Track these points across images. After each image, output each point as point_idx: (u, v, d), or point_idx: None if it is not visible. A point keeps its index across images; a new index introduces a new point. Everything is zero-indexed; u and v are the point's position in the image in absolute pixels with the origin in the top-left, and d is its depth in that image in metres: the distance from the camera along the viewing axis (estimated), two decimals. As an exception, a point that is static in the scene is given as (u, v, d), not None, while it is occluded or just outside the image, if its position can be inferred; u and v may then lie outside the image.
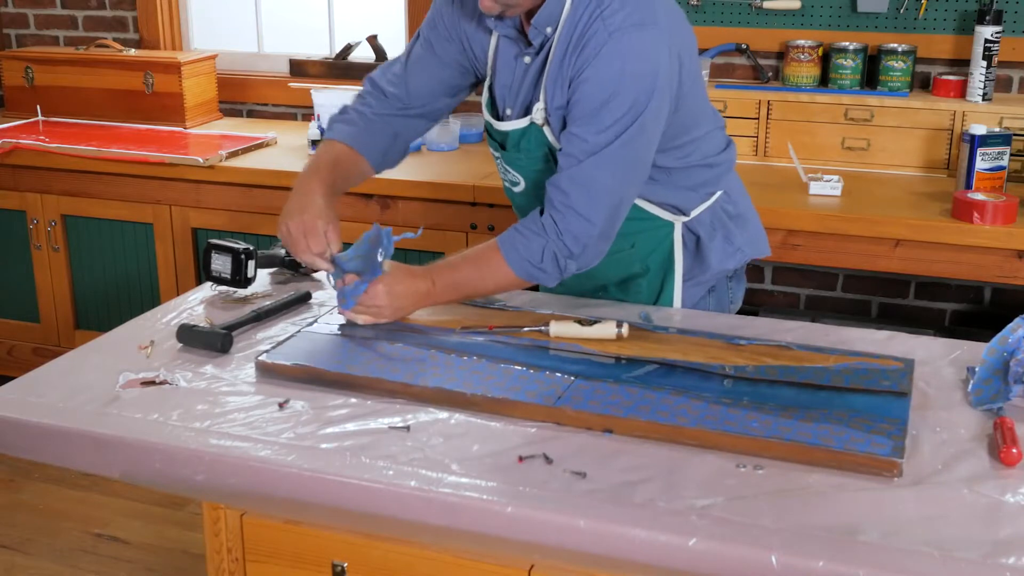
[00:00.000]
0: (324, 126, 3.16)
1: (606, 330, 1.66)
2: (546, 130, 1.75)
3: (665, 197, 1.84)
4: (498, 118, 1.84)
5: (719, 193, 1.90)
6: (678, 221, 1.87)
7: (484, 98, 1.88)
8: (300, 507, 1.40)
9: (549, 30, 1.70)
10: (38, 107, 3.65)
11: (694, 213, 1.88)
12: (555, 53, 1.69)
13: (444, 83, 1.90)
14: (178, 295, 2.15)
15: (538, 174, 1.81)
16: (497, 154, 1.89)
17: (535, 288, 1.97)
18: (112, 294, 3.38)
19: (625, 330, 1.66)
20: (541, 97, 1.73)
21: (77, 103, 3.63)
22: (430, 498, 1.29)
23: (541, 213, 1.70)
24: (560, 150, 1.70)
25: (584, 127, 1.65)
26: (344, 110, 1.94)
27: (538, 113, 1.74)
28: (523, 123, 1.78)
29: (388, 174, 2.94)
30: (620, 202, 1.71)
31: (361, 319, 1.72)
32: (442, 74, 1.89)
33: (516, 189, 1.89)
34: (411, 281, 1.73)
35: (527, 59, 1.75)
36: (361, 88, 1.98)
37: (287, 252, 2.01)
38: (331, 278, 1.75)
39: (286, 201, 1.78)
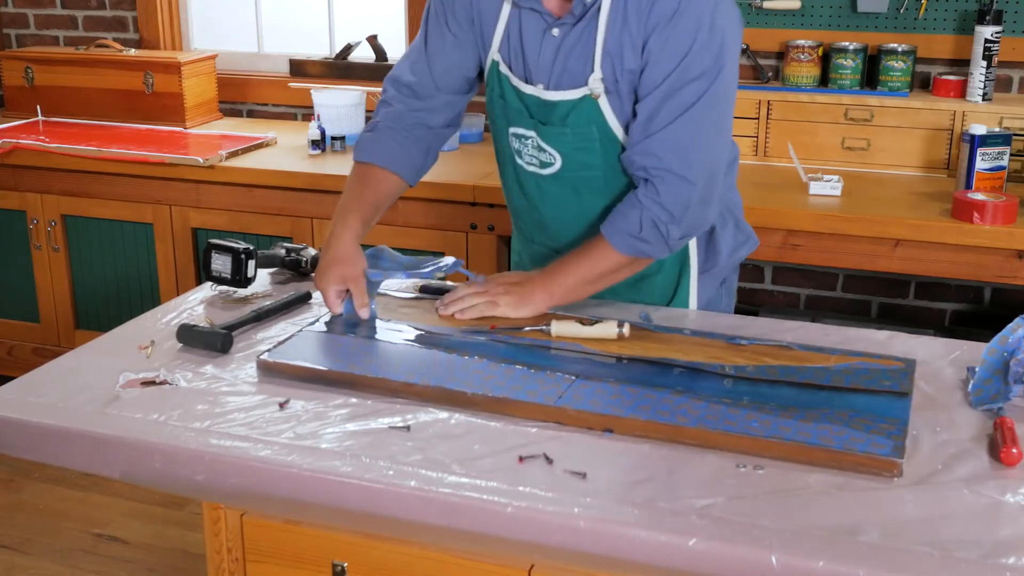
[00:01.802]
0: (323, 126, 3.19)
1: (607, 330, 1.66)
2: (602, 103, 1.70)
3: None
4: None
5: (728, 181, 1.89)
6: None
7: (504, 78, 1.80)
8: (300, 507, 1.40)
9: (589, 1, 1.66)
10: (38, 107, 3.65)
11: None
12: (609, 20, 1.65)
13: (463, 68, 1.86)
14: (178, 295, 2.15)
15: (580, 153, 1.76)
16: (529, 133, 1.80)
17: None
18: (112, 294, 3.38)
19: (626, 330, 1.66)
20: (596, 68, 1.68)
21: (77, 103, 3.63)
22: (430, 498, 1.29)
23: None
24: (639, 113, 1.66)
25: (667, 88, 1.62)
26: (372, 127, 1.90)
27: (595, 84, 1.69)
28: (575, 94, 1.71)
29: (388, 174, 2.96)
30: (715, 162, 1.69)
31: (472, 309, 1.73)
32: (461, 59, 1.85)
33: (547, 171, 1.81)
34: (526, 275, 1.77)
35: (556, 32, 1.70)
36: (382, 95, 1.93)
37: (287, 252, 2.01)
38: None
39: (323, 249, 1.79)
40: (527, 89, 1.77)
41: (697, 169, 1.67)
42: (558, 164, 1.79)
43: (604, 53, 1.67)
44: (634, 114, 1.70)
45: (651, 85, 1.65)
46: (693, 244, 1.88)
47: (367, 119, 3.37)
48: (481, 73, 1.88)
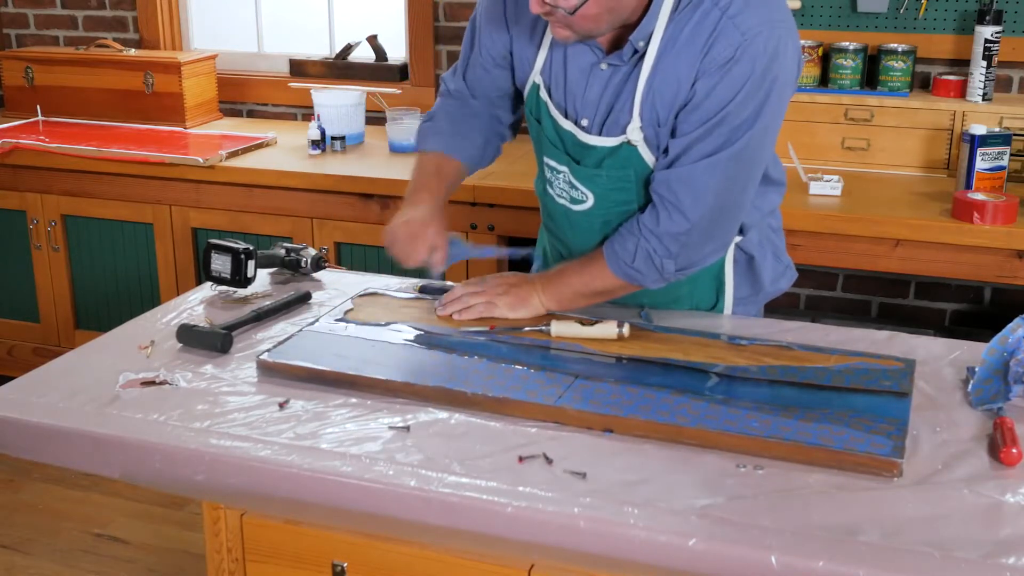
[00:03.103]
0: (323, 126, 3.19)
1: (607, 330, 1.66)
2: (641, 149, 1.66)
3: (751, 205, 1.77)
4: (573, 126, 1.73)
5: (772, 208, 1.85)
6: (732, 241, 1.79)
7: (543, 104, 1.75)
8: (300, 507, 1.40)
9: (642, 44, 1.60)
10: (38, 107, 3.65)
11: (749, 232, 1.81)
12: (654, 60, 1.60)
13: (498, 88, 1.85)
14: (178, 295, 2.15)
15: (615, 192, 1.72)
16: (561, 168, 1.76)
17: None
18: (112, 294, 3.38)
19: (626, 330, 1.66)
20: (635, 115, 1.64)
21: (77, 103, 3.63)
22: (430, 498, 1.29)
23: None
24: (670, 148, 1.63)
25: (704, 130, 1.59)
26: (431, 116, 1.92)
27: (634, 132, 1.64)
28: (614, 142, 1.67)
29: (388, 174, 2.97)
30: (732, 206, 1.66)
31: (470, 308, 1.73)
32: (495, 80, 1.84)
33: (579, 207, 1.76)
34: (524, 277, 1.78)
35: (604, 66, 1.66)
36: (439, 91, 1.95)
37: (287, 252, 2.01)
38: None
39: (396, 218, 1.80)
40: (565, 124, 1.72)
41: (701, 210, 1.62)
42: (590, 203, 1.75)
43: (644, 99, 1.63)
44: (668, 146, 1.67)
45: (690, 125, 1.61)
46: (730, 271, 1.83)
47: (367, 119, 3.39)
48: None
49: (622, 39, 1.64)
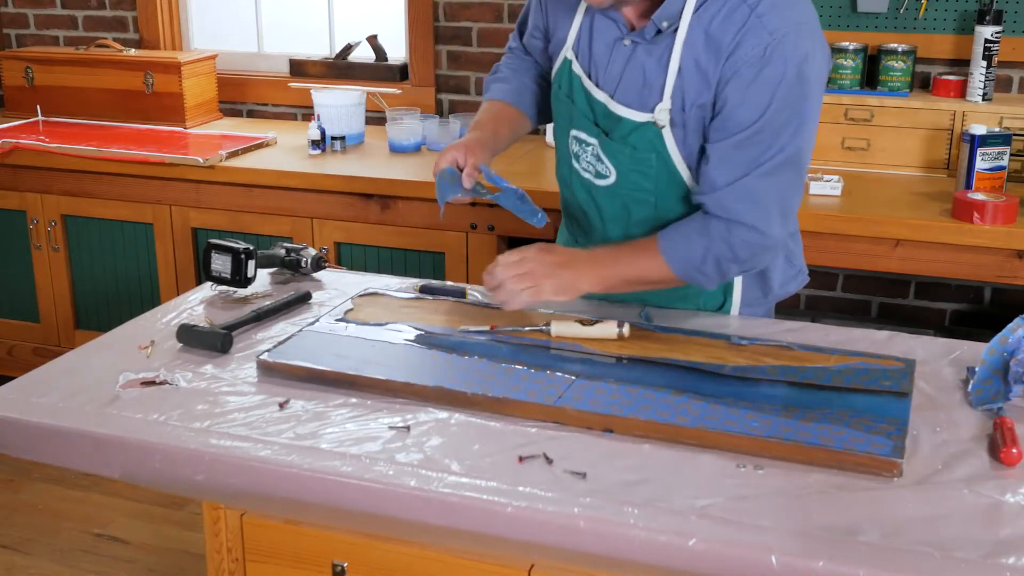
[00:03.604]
0: (323, 126, 3.18)
1: (607, 330, 1.66)
2: (666, 134, 1.66)
3: None
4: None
5: None
6: None
7: (575, 78, 1.76)
8: (300, 507, 1.40)
9: (666, 24, 1.62)
10: (38, 107, 3.65)
11: None
12: (685, 49, 1.61)
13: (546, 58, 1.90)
14: (178, 295, 2.15)
15: (635, 174, 1.72)
16: (591, 140, 1.76)
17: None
18: (112, 294, 3.38)
19: (626, 330, 1.66)
20: (666, 98, 1.64)
21: (77, 103, 3.63)
22: (430, 498, 1.29)
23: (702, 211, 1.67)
24: (711, 158, 1.62)
25: (745, 138, 1.59)
26: (496, 69, 1.99)
27: (661, 114, 1.65)
28: (640, 117, 1.68)
29: (388, 174, 2.97)
30: (789, 210, 1.67)
31: (515, 297, 1.65)
32: (543, 49, 1.90)
33: (602, 183, 1.77)
34: (569, 256, 1.70)
35: (627, 42, 1.68)
36: (505, 48, 2.04)
37: (287, 252, 2.01)
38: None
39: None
40: (598, 95, 1.73)
41: (771, 220, 1.64)
42: (612, 178, 1.76)
43: (676, 84, 1.63)
44: (702, 150, 1.66)
45: (728, 131, 1.61)
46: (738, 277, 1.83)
47: (367, 119, 3.39)
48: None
49: (646, 17, 1.66)
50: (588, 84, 1.75)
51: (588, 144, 1.78)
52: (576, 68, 1.77)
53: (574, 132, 1.80)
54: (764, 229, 1.63)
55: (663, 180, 1.71)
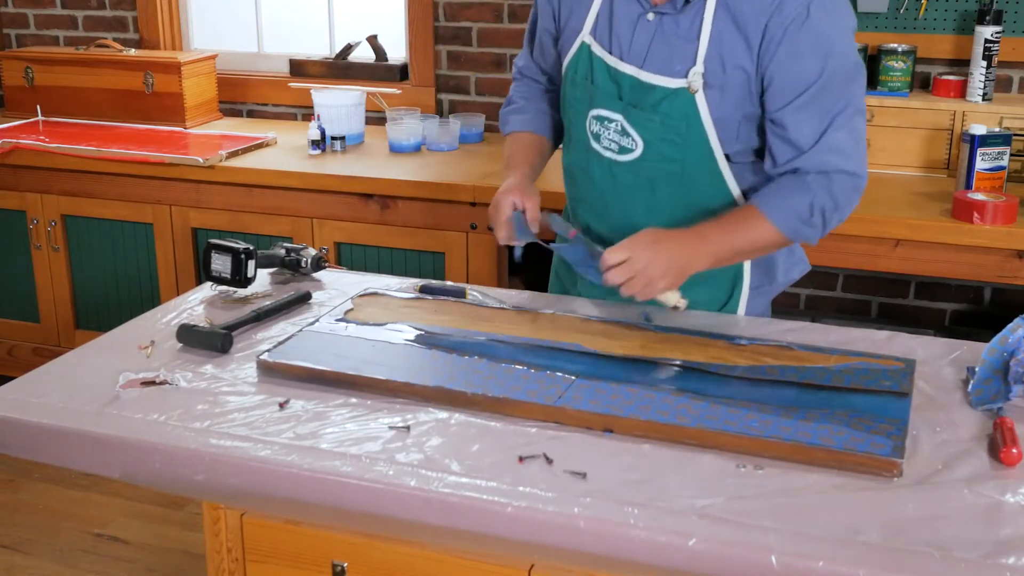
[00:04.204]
0: (323, 126, 3.18)
1: (670, 299, 1.69)
2: (699, 98, 1.70)
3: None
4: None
5: None
6: None
7: (596, 59, 1.79)
8: (300, 507, 1.40)
9: None
10: (38, 107, 3.65)
11: None
12: (718, 13, 1.67)
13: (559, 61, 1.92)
14: (178, 295, 2.15)
15: (664, 144, 1.74)
16: (615, 116, 1.78)
17: (532, 287, 1.96)
18: (112, 294, 3.38)
19: (682, 305, 1.70)
20: (699, 62, 1.68)
21: (77, 103, 3.63)
22: (430, 498, 1.29)
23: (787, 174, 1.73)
24: (786, 124, 1.68)
25: (815, 94, 1.66)
26: (510, 100, 2.01)
27: (695, 78, 1.69)
28: (673, 83, 1.71)
29: (388, 174, 2.97)
30: (865, 146, 1.74)
31: (636, 295, 1.67)
32: (553, 51, 1.92)
33: (626, 157, 1.78)
34: (669, 242, 1.69)
35: (651, 16, 1.72)
36: (513, 76, 2.06)
37: (287, 252, 2.01)
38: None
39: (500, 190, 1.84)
40: (625, 68, 1.75)
41: (862, 162, 1.72)
42: (639, 151, 1.77)
43: (710, 47, 1.68)
44: (762, 113, 1.72)
45: (794, 91, 1.67)
46: (747, 263, 1.86)
47: (367, 119, 3.39)
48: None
49: None
50: (612, 60, 1.77)
51: (611, 121, 1.79)
52: (596, 50, 1.79)
53: (594, 112, 1.81)
54: (859, 172, 1.72)
55: (692, 148, 1.74)
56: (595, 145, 1.83)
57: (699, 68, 1.69)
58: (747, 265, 1.87)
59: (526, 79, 2.02)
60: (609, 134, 1.80)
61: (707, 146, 1.73)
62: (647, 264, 1.64)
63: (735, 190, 1.79)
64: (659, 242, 1.68)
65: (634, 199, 1.81)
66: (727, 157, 1.75)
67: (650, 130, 1.75)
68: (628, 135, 1.77)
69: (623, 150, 1.79)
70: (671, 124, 1.73)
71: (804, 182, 1.70)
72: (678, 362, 1.59)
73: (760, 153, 1.78)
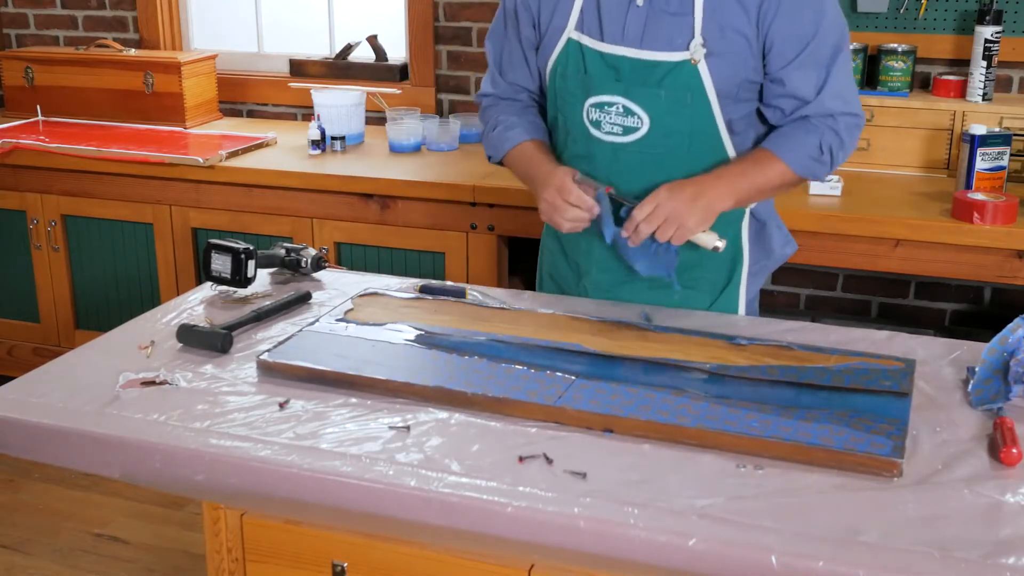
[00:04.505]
0: (323, 126, 3.18)
1: (708, 240, 1.73)
2: (701, 68, 1.74)
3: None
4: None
5: None
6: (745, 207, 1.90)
7: (587, 51, 1.81)
8: (300, 507, 1.40)
9: None
10: (38, 107, 3.65)
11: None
12: None
13: (538, 74, 1.94)
14: (178, 295, 2.15)
15: (670, 117, 1.78)
16: (615, 99, 1.80)
17: (532, 288, 1.96)
18: (112, 294, 3.38)
19: (721, 244, 1.74)
20: (697, 34, 1.73)
21: (77, 103, 3.63)
22: (430, 498, 1.29)
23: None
24: (788, 80, 1.76)
25: (813, 50, 1.75)
26: (495, 124, 1.97)
27: (697, 49, 1.73)
28: (675, 56, 1.75)
29: (388, 174, 2.97)
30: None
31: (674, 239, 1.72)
32: (533, 59, 1.93)
33: (631, 137, 1.81)
34: (695, 186, 1.75)
35: (640, 2, 1.75)
36: (479, 106, 2.05)
37: (287, 252, 2.01)
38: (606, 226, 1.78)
39: (540, 188, 1.83)
40: (622, 51, 1.78)
41: (857, 101, 1.82)
42: (645, 128, 1.79)
43: (706, 17, 1.73)
44: (764, 73, 1.79)
45: (794, 50, 1.75)
46: (746, 239, 1.92)
47: (367, 119, 3.39)
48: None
49: None
50: (606, 47, 1.79)
51: (611, 105, 1.81)
52: (586, 41, 1.81)
53: (592, 100, 1.82)
54: (859, 112, 1.82)
55: (697, 119, 1.78)
56: (596, 133, 1.83)
57: (699, 40, 1.73)
58: (745, 244, 1.91)
59: (503, 101, 1.99)
60: (610, 118, 1.81)
61: (711, 115, 1.78)
62: (674, 207, 1.71)
63: None
64: (681, 187, 1.75)
65: (641, 179, 1.82)
66: (728, 127, 1.80)
67: (655, 105, 1.78)
68: (632, 114, 1.79)
69: (628, 130, 1.81)
70: (676, 95, 1.77)
71: (811, 125, 1.79)
72: (678, 362, 1.59)
73: (754, 118, 1.84)
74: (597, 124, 1.83)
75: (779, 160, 1.79)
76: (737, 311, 1.93)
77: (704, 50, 1.73)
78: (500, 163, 1.98)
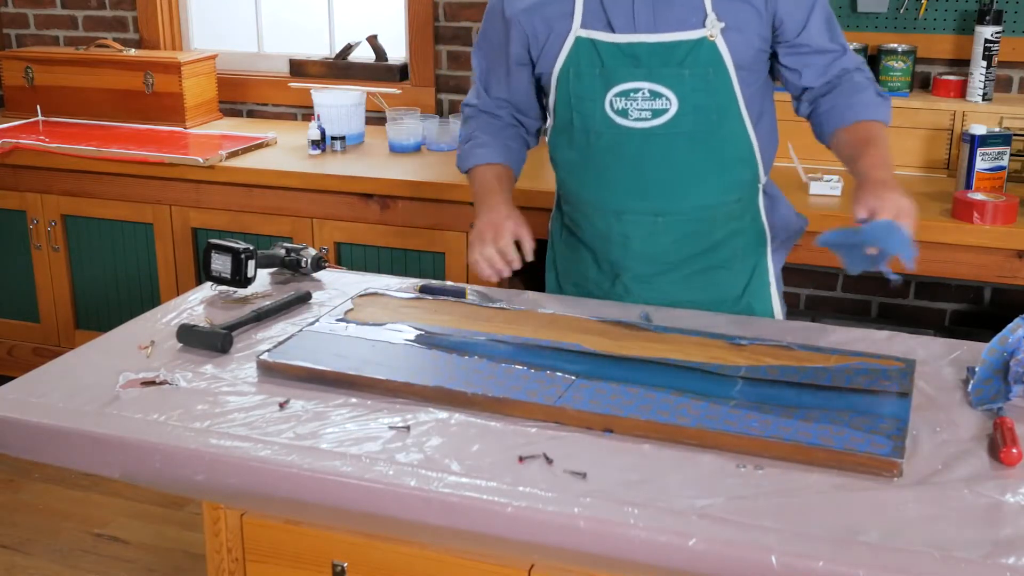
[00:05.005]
0: (323, 126, 3.18)
1: None
2: (719, 43, 1.79)
3: (772, 143, 1.99)
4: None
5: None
6: (760, 182, 1.95)
7: (600, 45, 1.82)
8: (300, 507, 1.40)
9: None
10: (38, 107, 3.65)
11: (768, 173, 1.97)
12: None
13: (525, 90, 1.97)
14: (178, 295, 2.15)
15: (696, 94, 1.81)
16: (639, 84, 1.82)
17: (532, 287, 1.96)
18: (112, 294, 3.38)
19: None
20: (710, 11, 1.78)
21: (77, 103, 3.63)
22: (430, 498, 1.29)
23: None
24: (803, 45, 1.85)
25: (818, 13, 1.84)
26: (468, 137, 2.02)
27: (713, 25, 1.78)
28: (693, 35, 1.79)
29: (388, 174, 2.97)
30: None
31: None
32: (519, 83, 1.96)
33: (660, 120, 1.83)
34: (888, 187, 1.76)
35: None
36: (462, 115, 2.07)
37: (287, 252, 2.01)
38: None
39: (479, 217, 1.87)
40: (637, 38, 1.80)
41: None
42: (674, 108, 1.81)
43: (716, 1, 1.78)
44: (771, 40, 1.86)
45: (803, 15, 1.83)
46: (764, 215, 1.98)
47: (367, 119, 3.39)
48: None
49: None
50: (621, 37, 1.81)
51: (637, 91, 1.82)
52: (597, 36, 1.82)
53: (615, 90, 1.83)
54: (863, 67, 1.92)
55: (721, 94, 1.82)
56: (623, 121, 1.84)
57: (713, 17, 1.78)
58: (764, 219, 1.98)
59: (484, 115, 2.02)
60: (638, 104, 1.83)
61: (731, 89, 1.82)
62: (894, 196, 1.72)
63: (754, 141, 1.88)
64: (878, 180, 1.75)
65: (671, 161, 1.84)
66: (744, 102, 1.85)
67: (680, 84, 1.81)
68: (660, 96, 1.82)
69: (657, 113, 1.82)
70: (699, 71, 1.80)
71: (855, 81, 1.88)
72: (678, 362, 1.59)
73: (760, 93, 1.90)
74: (624, 112, 1.83)
75: (874, 122, 1.86)
76: (769, 289, 1.99)
77: (721, 24, 1.78)
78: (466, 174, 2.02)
